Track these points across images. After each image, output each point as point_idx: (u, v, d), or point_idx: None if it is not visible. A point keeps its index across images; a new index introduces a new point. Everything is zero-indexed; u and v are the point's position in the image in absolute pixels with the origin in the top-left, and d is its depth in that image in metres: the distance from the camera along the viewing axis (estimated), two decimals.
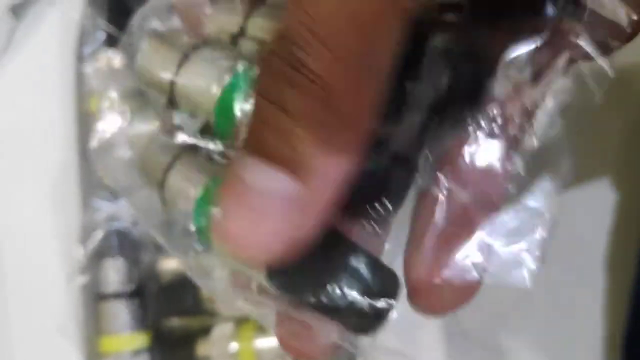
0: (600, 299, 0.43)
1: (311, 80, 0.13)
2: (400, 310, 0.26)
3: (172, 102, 0.20)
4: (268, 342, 0.38)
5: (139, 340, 0.39)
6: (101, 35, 0.39)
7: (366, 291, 0.16)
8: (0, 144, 0.40)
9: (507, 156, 0.17)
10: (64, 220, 0.39)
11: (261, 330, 0.39)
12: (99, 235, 0.39)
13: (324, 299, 0.16)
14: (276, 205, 0.13)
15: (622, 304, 0.40)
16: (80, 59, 0.39)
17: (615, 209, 0.43)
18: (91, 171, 0.39)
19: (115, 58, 0.39)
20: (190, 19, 0.20)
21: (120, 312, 0.39)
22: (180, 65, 0.19)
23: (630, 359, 0.39)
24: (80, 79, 0.39)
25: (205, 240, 0.18)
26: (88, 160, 0.39)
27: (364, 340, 0.18)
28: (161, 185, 0.19)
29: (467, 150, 0.17)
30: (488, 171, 0.16)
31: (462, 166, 0.17)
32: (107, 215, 0.39)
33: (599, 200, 0.43)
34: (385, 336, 0.31)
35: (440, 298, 0.17)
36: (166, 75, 0.19)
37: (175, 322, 0.41)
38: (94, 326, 0.39)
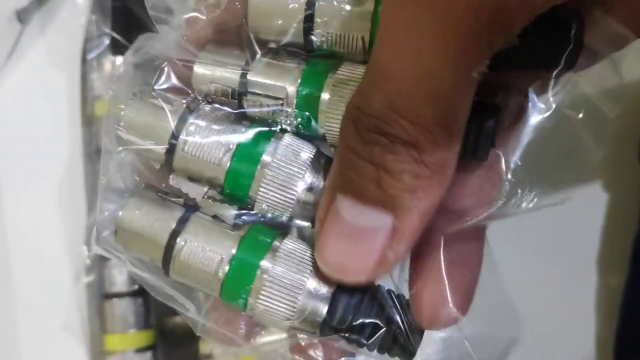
0: (593, 299, 0.43)
1: (404, 146, 0.16)
2: None
3: (169, 168, 0.21)
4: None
5: (143, 338, 0.40)
6: (105, 41, 0.39)
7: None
8: (8, 146, 0.40)
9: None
10: (70, 221, 0.39)
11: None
12: (104, 235, 0.39)
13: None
14: (373, 234, 0.17)
15: (615, 305, 0.41)
16: (85, 64, 0.39)
17: (607, 210, 0.43)
18: (96, 173, 0.39)
19: (119, 63, 0.39)
20: (183, 76, 0.22)
21: (125, 311, 0.39)
22: (177, 131, 0.20)
23: (620, 359, 0.39)
24: (85, 84, 0.39)
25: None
26: (94, 162, 0.40)
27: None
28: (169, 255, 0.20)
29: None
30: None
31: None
32: (112, 216, 0.39)
33: (591, 201, 0.43)
34: None
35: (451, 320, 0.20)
36: (160, 148, 0.20)
37: (178, 320, 0.41)
38: (99, 324, 0.40)
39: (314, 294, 0.20)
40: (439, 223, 0.20)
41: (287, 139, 0.21)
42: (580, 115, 0.20)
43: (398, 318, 0.20)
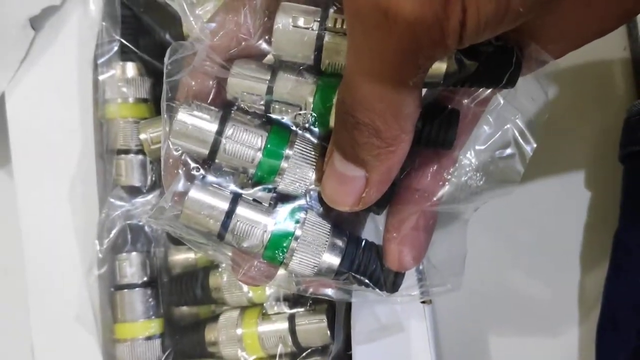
0: (576, 294, 0.44)
1: (365, 126, 0.23)
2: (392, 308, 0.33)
3: (211, 163, 0.27)
4: (270, 328, 0.40)
5: (152, 326, 0.41)
6: (115, 47, 0.40)
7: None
8: (23, 147, 0.41)
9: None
10: (82, 217, 0.40)
11: (264, 317, 0.40)
12: (115, 231, 0.40)
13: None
14: (352, 181, 0.25)
15: (597, 299, 0.42)
16: (96, 69, 0.40)
17: (589, 207, 0.45)
18: (107, 172, 0.40)
19: (128, 68, 0.41)
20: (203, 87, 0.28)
21: (135, 301, 0.41)
22: (218, 136, 0.27)
23: (602, 352, 0.40)
24: (96, 87, 0.40)
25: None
26: (105, 162, 0.41)
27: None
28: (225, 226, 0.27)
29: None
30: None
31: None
32: (122, 213, 0.40)
33: (574, 199, 0.45)
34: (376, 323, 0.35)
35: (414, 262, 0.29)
36: (204, 149, 0.27)
37: (185, 310, 0.43)
38: (110, 314, 0.41)
39: (330, 251, 0.28)
40: (407, 197, 0.29)
41: (301, 139, 0.27)
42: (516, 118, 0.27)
43: (379, 262, 0.29)
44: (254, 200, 0.28)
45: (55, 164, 0.40)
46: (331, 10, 0.26)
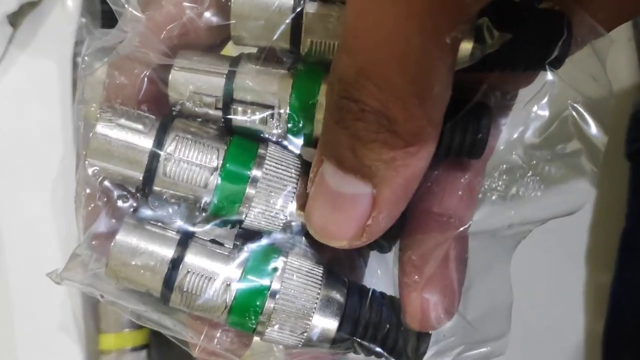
0: (582, 295, 0.43)
1: (374, 114, 0.15)
2: None
3: (147, 190, 0.20)
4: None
5: (138, 337, 0.40)
6: None
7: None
8: (2, 150, 0.39)
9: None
10: (64, 223, 0.39)
11: None
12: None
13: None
14: (353, 202, 0.17)
15: (603, 300, 0.41)
16: (75, 67, 0.39)
17: (595, 207, 0.43)
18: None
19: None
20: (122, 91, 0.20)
21: (120, 312, 0.40)
22: (155, 153, 0.19)
23: (608, 353, 0.40)
24: (76, 87, 0.40)
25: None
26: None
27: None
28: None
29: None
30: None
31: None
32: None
33: None
34: None
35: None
36: (135, 171, 0.19)
37: None
38: (94, 324, 0.40)
39: (323, 310, 0.20)
40: (428, 224, 0.21)
41: (274, 152, 0.20)
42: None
43: (396, 320, 0.20)
44: (211, 241, 0.20)
45: (35, 167, 0.39)
46: None
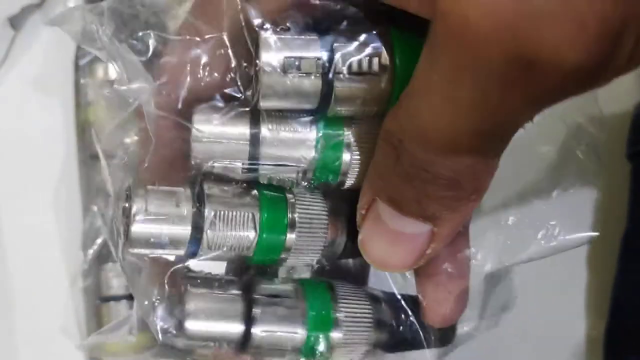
0: (584, 296, 0.43)
1: (446, 180, 0.17)
2: None
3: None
4: None
5: (141, 340, 0.40)
6: None
7: None
8: (2, 152, 0.40)
9: None
10: (66, 226, 0.39)
11: None
12: (99, 240, 0.39)
13: None
14: (412, 239, 0.19)
15: (605, 302, 0.41)
16: (77, 69, 0.39)
17: (596, 207, 0.43)
18: (91, 178, 0.40)
19: (111, 69, 0.40)
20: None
21: (121, 314, 0.39)
22: (196, 230, 0.20)
23: (610, 355, 0.39)
24: (78, 89, 0.39)
25: None
26: (88, 167, 0.40)
27: None
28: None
29: None
30: None
31: None
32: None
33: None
34: None
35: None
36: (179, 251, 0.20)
37: None
38: (95, 327, 0.40)
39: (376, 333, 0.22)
40: None
41: (302, 202, 0.21)
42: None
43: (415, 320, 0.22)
44: (272, 296, 0.21)
45: (37, 170, 0.40)
46: (338, 45, 0.19)
